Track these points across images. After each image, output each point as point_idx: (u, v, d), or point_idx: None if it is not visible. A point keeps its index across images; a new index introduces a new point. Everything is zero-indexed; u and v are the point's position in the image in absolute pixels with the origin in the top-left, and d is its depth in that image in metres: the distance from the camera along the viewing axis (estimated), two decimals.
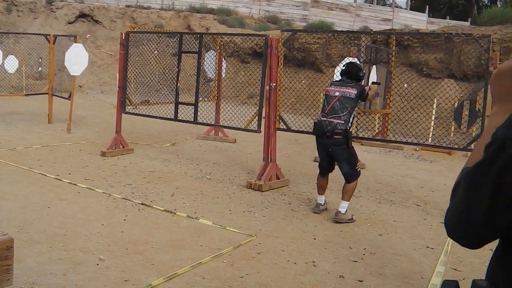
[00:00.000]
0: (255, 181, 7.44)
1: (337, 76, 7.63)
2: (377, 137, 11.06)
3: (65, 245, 4.71)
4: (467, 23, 29.11)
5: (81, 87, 20.43)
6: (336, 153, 6.08)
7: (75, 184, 6.92)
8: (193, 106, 8.53)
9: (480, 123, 6.34)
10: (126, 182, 7.26)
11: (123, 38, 9.15)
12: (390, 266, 4.76)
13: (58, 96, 12.22)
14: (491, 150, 1.15)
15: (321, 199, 6.45)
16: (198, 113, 8.48)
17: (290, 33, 8.15)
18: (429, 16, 32.12)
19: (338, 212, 6.07)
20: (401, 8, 34.98)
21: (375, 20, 29.99)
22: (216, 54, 11.32)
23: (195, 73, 8.58)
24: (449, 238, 5.57)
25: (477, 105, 9.91)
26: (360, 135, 9.52)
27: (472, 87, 12.43)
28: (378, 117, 12.47)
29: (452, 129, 11.88)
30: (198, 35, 8.80)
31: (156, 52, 10.47)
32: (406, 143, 8.02)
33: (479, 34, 6.98)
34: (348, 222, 6.02)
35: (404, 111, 8.37)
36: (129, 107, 9.46)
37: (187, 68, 9.03)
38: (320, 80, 13.90)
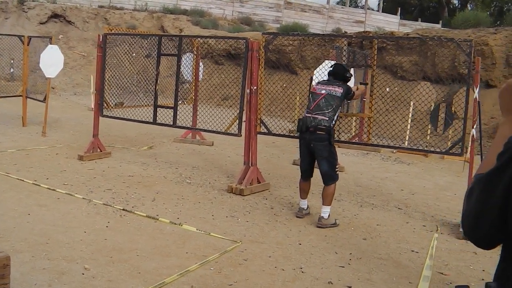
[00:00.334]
0: (236, 185, 7.39)
1: (317, 79, 7.64)
2: (354, 140, 11.15)
3: (48, 254, 4.59)
4: (439, 25, 29.55)
5: (54, 88, 19.99)
6: (317, 149, 6.06)
7: (53, 190, 6.76)
8: (171, 109, 8.46)
9: (461, 126, 6.39)
10: (106, 187, 7.14)
11: (101, 40, 9.00)
12: (377, 271, 4.77)
13: (32, 99, 11.96)
14: (504, 158, 1.26)
15: (303, 203, 6.44)
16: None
17: (272, 36, 8.13)
18: (400, 18, 32.48)
19: (321, 218, 6.06)
20: (373, 10, 35.28)
21: (348, 22, 30.18)
22: (194, 56, 11.24)
23: (170, 75, 8.48)
24: (433, 242, 5.64)
25: (453, 108, 10.02)
26: (337, 138, 9.54)
27: (447, 90, 12.60)
28: (355, 120, 12.55)
29: (428, 132, 12.01)
30: (178, 38, 8.72)
31: (134, 54, 10.33)
32: (388, 146, 8.02)
33: (461, 38, 7.07)
34: (332, 227, 6.03)
35: (381, 114, 8.43)
36: (106, 110, 9.31)
37: (161, 69, 8.91)
38: (294, 82, 13.90)
